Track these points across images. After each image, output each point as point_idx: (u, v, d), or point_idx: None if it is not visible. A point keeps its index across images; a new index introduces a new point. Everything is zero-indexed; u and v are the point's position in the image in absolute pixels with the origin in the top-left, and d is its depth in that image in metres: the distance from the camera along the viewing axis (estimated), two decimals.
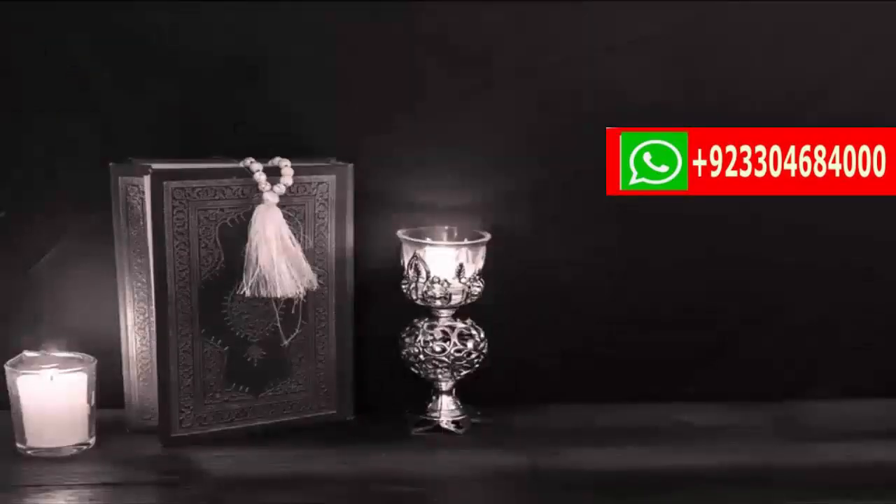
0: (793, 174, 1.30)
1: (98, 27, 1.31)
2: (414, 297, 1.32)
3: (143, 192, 1.24)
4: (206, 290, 1.26)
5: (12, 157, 1.33)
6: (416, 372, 1.34)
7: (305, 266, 1.27)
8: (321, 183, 1.30)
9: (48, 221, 1.34)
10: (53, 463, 1.23)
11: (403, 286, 1.33)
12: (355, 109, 1.35)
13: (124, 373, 1.31)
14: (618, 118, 1.33)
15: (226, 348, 1.29)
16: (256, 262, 1.24)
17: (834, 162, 1.31)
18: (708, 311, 1.43)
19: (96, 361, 1.28)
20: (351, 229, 1.33)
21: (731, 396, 1.43)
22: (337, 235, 1.32)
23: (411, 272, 1.32)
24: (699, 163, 1.05)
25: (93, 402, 1.27)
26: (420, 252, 1.31)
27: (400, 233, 1.33)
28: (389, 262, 1.35)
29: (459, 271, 1.31)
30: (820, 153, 1.28)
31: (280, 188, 1.26)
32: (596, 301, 1.41)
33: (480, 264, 1.33)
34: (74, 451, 1.25)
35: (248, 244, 1.25)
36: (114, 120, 1.33)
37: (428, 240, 1.32)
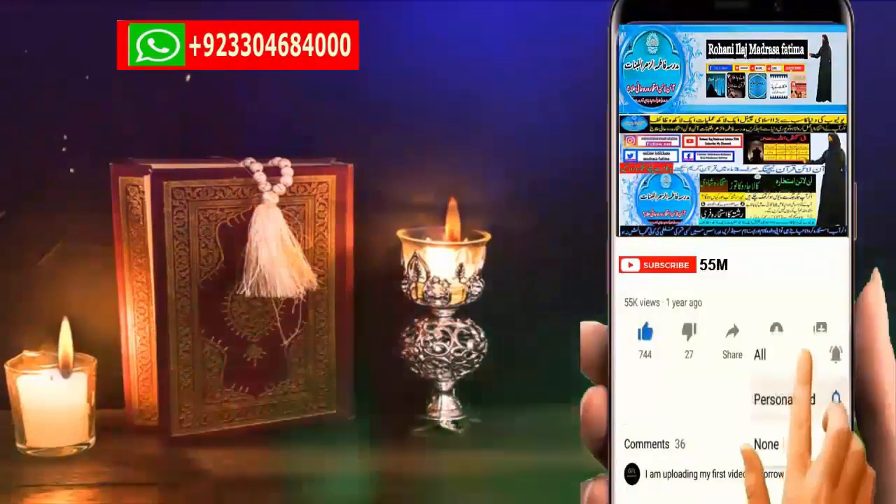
0: None
1: (98, 26, 1.31)
2: (414, 297, 1.32)
3: (143, 192, 1.24)
4: (206, 290, 1.26)
5: (12, 157, 1.33)
6: (416, 372, 1.34)
7: (305, 266, 1.27)
8: (321, 183, 1.30)
9: (48, 221, 1.34)
10: (53, 463, 1.23)
11: (403, 286, 1.33)
12: (355, 109, 1.35)
13: (124, 373, 1.31)
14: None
15: (226, 348, 1.29)
16: (256, 262, 1.24)
17: None
18: None
19: (96, 361, 1.28)
20: (351, 229, 1.33)
21: None
22: (337, 235, 1.32)
23: (411, 272, 1.31)
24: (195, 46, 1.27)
25: (93, 401, 1.27)
26: (420, 252, 1.31)
27: (400, 233, 1.33)
28: (389, 262, 1.35)
29: (459, 271, 1.31)
30: None
31: (280, 188, 1.26)
32: (596, 301, 1.41)
33: (480, 264, 1.33)
34: (74, 451, 1.25)
35: (248, 244, 1.25)
36: (114, 120, 1.33)
37: (428, 240, 1.32)
